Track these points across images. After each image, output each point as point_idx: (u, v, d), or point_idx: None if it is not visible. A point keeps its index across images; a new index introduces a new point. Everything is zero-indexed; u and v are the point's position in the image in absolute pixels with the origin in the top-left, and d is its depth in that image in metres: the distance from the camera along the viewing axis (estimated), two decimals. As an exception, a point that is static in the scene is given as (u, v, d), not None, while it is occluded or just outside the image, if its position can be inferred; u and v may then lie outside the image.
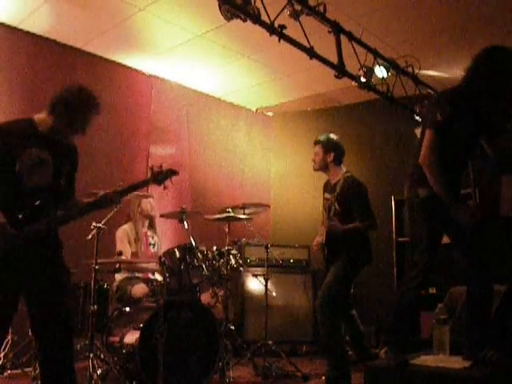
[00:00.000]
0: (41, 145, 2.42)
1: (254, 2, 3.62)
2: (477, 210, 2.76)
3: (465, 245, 2.86)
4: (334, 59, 4.29)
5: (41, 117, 2.49)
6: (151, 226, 4.65)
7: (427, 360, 2.76)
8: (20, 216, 2.31)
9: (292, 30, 3.88)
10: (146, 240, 4.56)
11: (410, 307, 2.87)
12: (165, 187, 2.65)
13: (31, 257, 2.33)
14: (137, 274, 4.36)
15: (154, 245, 4.60)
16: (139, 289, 4.09)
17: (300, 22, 3.90)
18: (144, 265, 4.36)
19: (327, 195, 3.99)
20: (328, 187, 4.02)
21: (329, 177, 4.01)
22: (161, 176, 2.63)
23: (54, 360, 2.37)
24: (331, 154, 3.93)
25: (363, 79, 4.64)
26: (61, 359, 2.38)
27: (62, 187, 2.50)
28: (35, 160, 2.38)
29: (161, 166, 2.64)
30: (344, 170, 3.97)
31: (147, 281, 4.19)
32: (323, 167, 3.98)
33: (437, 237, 2.89)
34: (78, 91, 2.52)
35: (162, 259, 3.91)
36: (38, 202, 2.37)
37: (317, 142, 4.00)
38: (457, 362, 2.65)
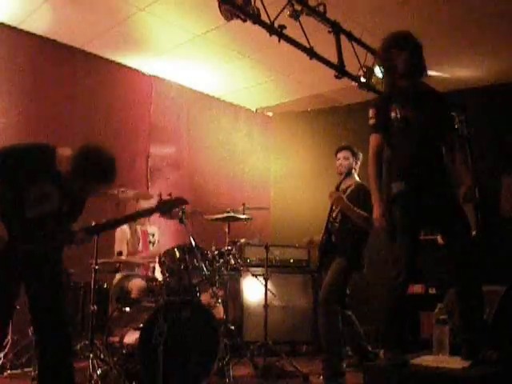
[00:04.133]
0: (53, 182, 2.39)
1: (254, 2, 3.62)
2: (382, 217, 2.85)
3: (450, 240, 2.86)
4: (334, 59, 4.29)
5: (64, 155, 2.42)
6: (150, 223, 4.66)
7: (427, 360, 2.76)
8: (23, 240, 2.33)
9: (292, 30, 3.88)
10: (145, 238, 4.56)
11: (401, 304, 2.86)
12: (171, 218, 2.57)
13: (29, 254, 2.34)
14: (135, 273, 4.36)
15: (153, 243, 4.61)
16: (136, 284, 4.08)
17: (300, 22, 3.90)
18: (141, 261, 4.36)
19: None
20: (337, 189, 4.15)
21: (343, 181, 4.09)
22: (167, 205, 2.53)
23: (51, 357, 2.38)
24: (358, 162, 4.13)
25: (363, 79, 4.64)
26: (57, 357, 2.39)
27: (61, 220, 2.48)
28: (43, 195, 2.36)
29: (170, 194, 2.55)
30: (357, 178, 4.12)
31: (145, 278, 4.18)
32: (348, 172, 4.08)
33: (414, 231, 2.88)
34: (100, 158, 2.40)
35: (162, 259, 3.91)
36: (42, 233, 2.37)
37: (346, 148, 4.13)
38: (456, 362, 2.65)
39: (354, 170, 4.11)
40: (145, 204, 4.56)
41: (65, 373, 2.41)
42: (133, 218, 2.54)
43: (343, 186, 4.06)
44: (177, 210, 2.50)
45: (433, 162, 2.91)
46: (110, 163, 2.38)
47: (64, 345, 2.43)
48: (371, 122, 3.04)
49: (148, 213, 2.57)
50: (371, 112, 3.04)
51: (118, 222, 2.53)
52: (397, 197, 2.86)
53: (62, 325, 2.44)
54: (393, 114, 2.92)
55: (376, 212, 2.89)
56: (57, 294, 2.43)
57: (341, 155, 4.12)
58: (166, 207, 2.54)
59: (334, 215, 4.03)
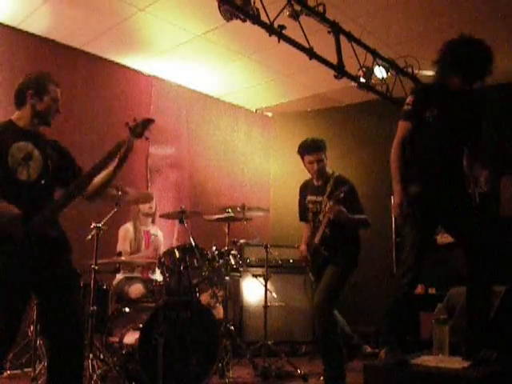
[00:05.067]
0: (25, 139, 2.48)
1: (254, 3, 3.63)
2: (401, 205, 2.79)
3: (465, 242, 2.86)
4: (334, 59, 4.29)
5: (16, 115, 2.57)
6: (153, 224, 4.67)
7: (427, 360, 2.76)
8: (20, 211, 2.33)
9: (291, 31, 3.89)
10: (147, 238, 4.56)
11: (404, 304, 2.86)
12: (147, 139, 2.60)
13: (39, 257, 2.34)
14: (136, 274, 4.37)
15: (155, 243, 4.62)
16: (136, 289, 4.09)
17: (299, 23, 3.90)
18: (141, 261, 4.36)
19: (312, 198, 3.79)
20: (310, 189, 3.84)
21: (316, 179, 3.81)
22: (138, 128, 2.56)
23: (63, 360, 2.37)
24: (327, 156, 3.80)
25: (363, 79, 4.65)
26: (70, 359, 2.38)
27: (57, 177, 2.54)
28: (24, 154, 2.44)
29: (135, 119, 2.58)
30: (330, 170, 3.81)
31: (146, 281, 4.19)
32: (323, 172, 3.76)
33: (426, 233, 2.88)
34: (36, 75, 2.59)
35: (162, 259, 3.91)
36: (33, 192, 2.42)
37: (321, 149, 3.74)
38: (456, 362, 2.65)
39: (327, 166, 3.78)
40: (145, 207, 4.58)
41: (75, 376, 2.41)
42: (115, 152, 2.54)
43: (316, 184, 3.79)
44: (148, 130, 2.55)
45: (454, 166, 2.90)
46: (46, 73, 2.63)
47: (78, 347, 2.43)
48: (406, 108, 2.92)
49: (126, 142, 2.57)
50: (409, 98, 2.94)
51: (104, 162, 2.54)
52: (413, 199, 2.84)
53: (78, 327, 2.43)
54: (428, 111, 2.86)
55: (396, 199, 2.83)
56: (71, 294, 2.43)
57: (313, 158, 3.70)
58: (138, 130, 2.56)
59: (320, 218, 3.71)
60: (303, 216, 3.90)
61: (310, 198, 3.81)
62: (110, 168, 2.58)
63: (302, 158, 3.80)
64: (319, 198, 3.72)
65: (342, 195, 3.52)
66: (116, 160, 2.54)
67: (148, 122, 2.59)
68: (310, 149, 3.73)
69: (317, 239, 3.69)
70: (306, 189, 3.90)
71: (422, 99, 2.91)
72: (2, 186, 2.39)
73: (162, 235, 4.78)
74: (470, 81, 2.89)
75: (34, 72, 2.63)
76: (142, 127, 2.56)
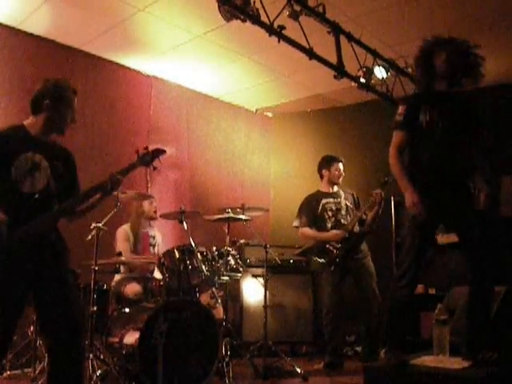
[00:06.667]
0: (34, 149, 2.43)
1: (254, 3, 3.62)
2: (417, 202, 2.77)
3: (468, 244, 2.85)
4: (334, 60, 4.29)
5: (29, 121, 2.51)
6: (151, 225, 4.66)
7: (427, 360, 2.76)
8: (19, 220, 2.32)
9: (291, 31, 3.89)
10: (146, 240, 4.55)
11: (404, 306, 2.86)
12: (154, 168, 2.59)
13: (36, 258, 2.34)
14: (135, 274, 4.36)
15: (154, 245, 4.61)
16: (131, 288, 4.08)
17: (299, 23, 3.90)
18: (141, 262, 4.35)
19: (330, 199, 4.62)
20: (321, 195, 4.67)
21: (330, 187, 4.69)
22: (147, 157, 2.56)
23: (62, 360, 2.37)
24: None
25: (363, 80, 4.65)
26: (70, 358, 2.38)
27: (58, 190, 2.50)
28: (30, 165, 2.38)
29: (146, 147, 2.58)
30: None
31: (143, 280, 4.17)
32: None
33: (425, 234, 2.87)
34: (55, 82, 2.53)
35: (162, 260, 3.90)
36: (35, 203, 2.38)
37: (342, 160, 4.71)
38: (456, 363, 2.65)
39: None
40: (150, 210, 4.57)
41: (74, 375, 2.41)
42: (124, 172, 2.53)
43: (327, 191, 4.66)
44: (157, 160, 2.55)
45: (453, 168, 2.88)
46: (59, 79, 2.56)
47: (77, 347, 2.42)
48: (398, 118, 2.93)
49: (133, 167, 2.58)
50: (401, 108, 2.94)
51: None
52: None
53: (75, 326, 2.43)
54: (421, 116, 2.85)
55: (410, 199, 2.79)
56: (68, 293, 2.43)
57: (341, 167, 4.66)
58: (147, 159, 2.57)
59: (343, 213, 4.52)
60: (315, 220, 4.56)
61: (326, 200, 4.61)
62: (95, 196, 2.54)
63: (329, 165, 4.67)
64: (337, 200, 4.60)
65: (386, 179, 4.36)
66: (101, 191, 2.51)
67: (159, 152, 2.59)
68: (339, 159, 4.69)
69: (351, 226, 4.45)
70: (316, 197, 4.66)
71: (413, 107, 2.90)
72: (3, 196, 2.36)
73: (161, 237, 4.77)
74: (452, 81, 2.89)
75: (52, 78, 2.56)
76: (151, 157, 2.56)
